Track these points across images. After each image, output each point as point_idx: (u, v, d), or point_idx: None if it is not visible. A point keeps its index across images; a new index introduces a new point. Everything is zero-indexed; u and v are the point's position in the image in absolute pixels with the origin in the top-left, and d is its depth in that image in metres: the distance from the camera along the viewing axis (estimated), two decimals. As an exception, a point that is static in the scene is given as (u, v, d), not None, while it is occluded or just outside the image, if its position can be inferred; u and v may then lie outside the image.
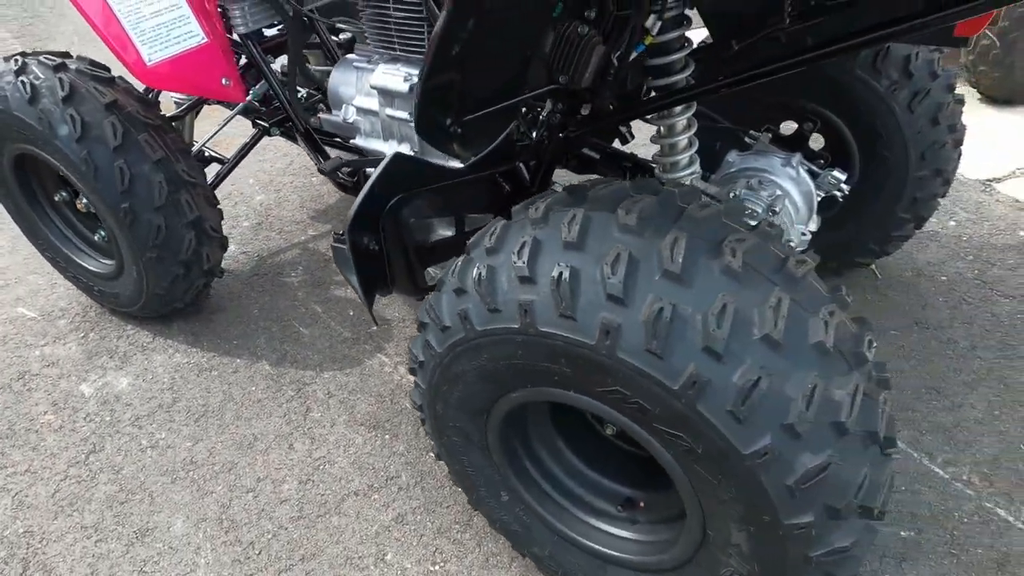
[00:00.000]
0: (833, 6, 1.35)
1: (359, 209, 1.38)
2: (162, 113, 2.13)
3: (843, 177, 1.88)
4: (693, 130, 1.71)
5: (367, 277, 1.51)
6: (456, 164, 1.53)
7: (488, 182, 1.71)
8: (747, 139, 1.97)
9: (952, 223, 2.69)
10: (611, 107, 1.66)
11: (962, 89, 3.60)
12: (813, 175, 1.90)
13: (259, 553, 1.72)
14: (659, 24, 1.47)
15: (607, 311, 1.02)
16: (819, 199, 1.90)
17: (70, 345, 2.40)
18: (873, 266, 2.46)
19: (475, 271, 1.17)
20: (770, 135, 1.96)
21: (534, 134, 1.70)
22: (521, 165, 1.78)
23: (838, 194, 1.91)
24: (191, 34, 1.84)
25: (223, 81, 1.92)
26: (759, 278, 1.03)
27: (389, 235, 1.53)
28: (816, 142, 2.12)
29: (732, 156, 1.93)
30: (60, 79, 1.92)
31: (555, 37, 1.51)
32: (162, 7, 1.78)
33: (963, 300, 2.32)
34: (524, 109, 1.72)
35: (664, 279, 1.01)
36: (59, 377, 2.27)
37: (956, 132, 1.98)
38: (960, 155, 2.06)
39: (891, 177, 2.02)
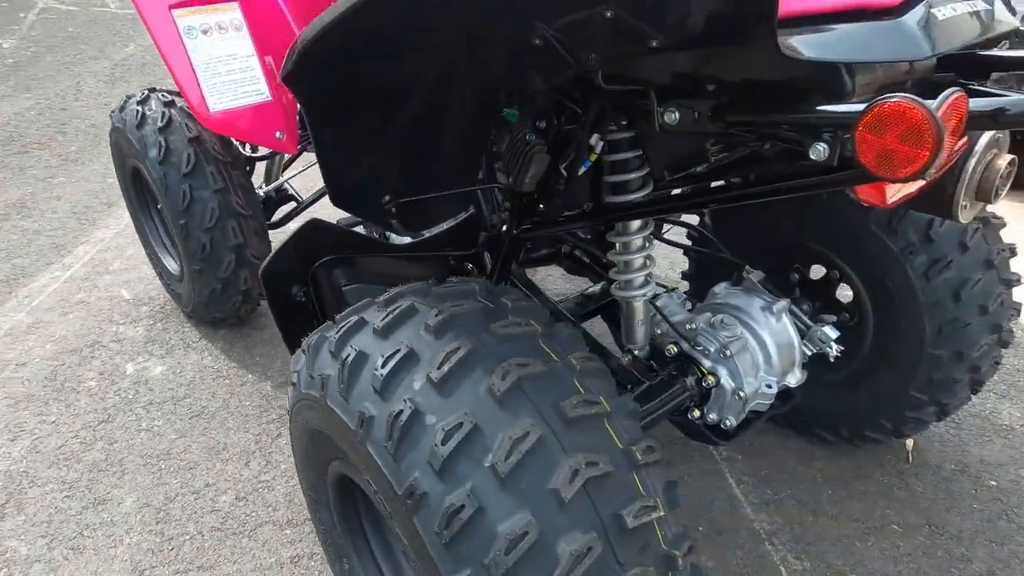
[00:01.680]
0: (745, 159, 1.29)
1: (269, 265, 1.52)
2: (240, 152, 2.50)
3: (833, 335, 1.70)
4: (649, 250, 1.66)
5: (291, 323, 1.64)
6: (397, 239, 1.64)
7: (444, 262, 1.78)
8: (743, 274, 1.86)
9: (1037, 422, 2.26)
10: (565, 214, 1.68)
11: None
12: (805, 325, 1.75)
13: (171, 550, 1.88)
14: (602, 143, 1.49)
15: (369, 401, 1.05)
16: (808, 354, 1.73)
17: (139, 329, 2.81)
18: (909, 445, 2.13)
19: (315, 336, 1.26)
20: (763, 274, 1.83)
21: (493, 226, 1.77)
22: (486, 253, 1.83)
23: (830, 352, 1.72)
24: (258, 92, 2.16)
25: (276, 134, 2.21)
26: (525, 407, 1.00)
27: (323, 290, 1.65)
28: (847, 293, 1.93)
29: (719, 288, 1.83)
30: (163, 112, 2.34)
31: (509, 139, 1.58)
32: (236, 67, 2.12)
33: (1005, 515, 1.93)
34: (496, 199, 1.80)
35: (426, 384, 1.02)
36: (117, 353, 2.67)
37: (990, 314, 1.70)
38: (1001, 342, 1.76)
39: (904, 348, 1.78)
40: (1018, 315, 1.78)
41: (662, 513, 1.02)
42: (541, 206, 1.65)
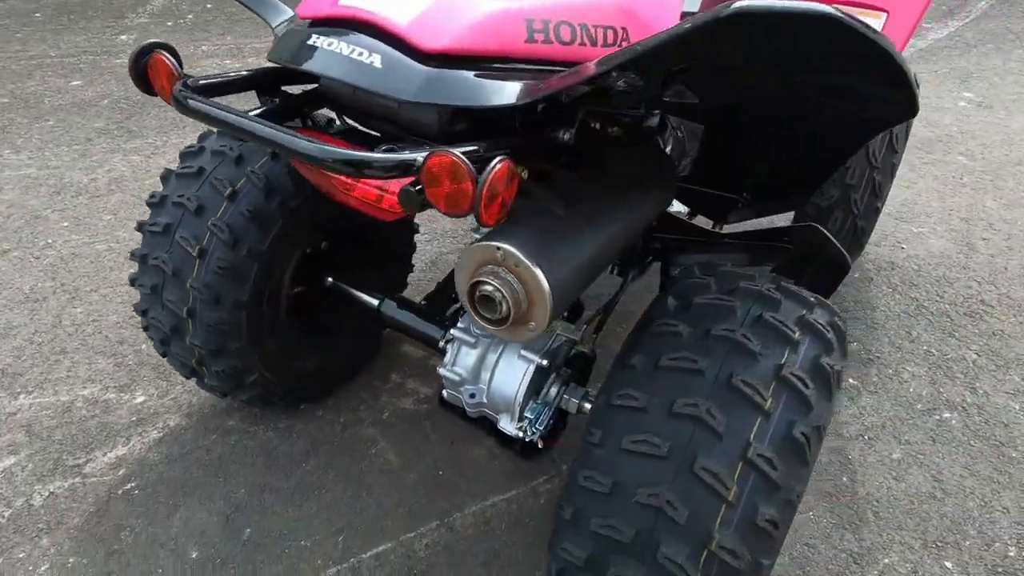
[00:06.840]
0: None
1: None
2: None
3: (539, 422, 1.59)
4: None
5: None
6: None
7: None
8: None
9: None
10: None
11: None
12: (545, 401, 1.64)
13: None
14: None
15: None
16: (532, 422, 1.60)
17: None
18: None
19: None
20: (572, 326, 1.73)
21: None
22: None
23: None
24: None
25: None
26: None
27: None
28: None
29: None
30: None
31: None
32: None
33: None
34: None
35: None
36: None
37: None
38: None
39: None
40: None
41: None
42: None
